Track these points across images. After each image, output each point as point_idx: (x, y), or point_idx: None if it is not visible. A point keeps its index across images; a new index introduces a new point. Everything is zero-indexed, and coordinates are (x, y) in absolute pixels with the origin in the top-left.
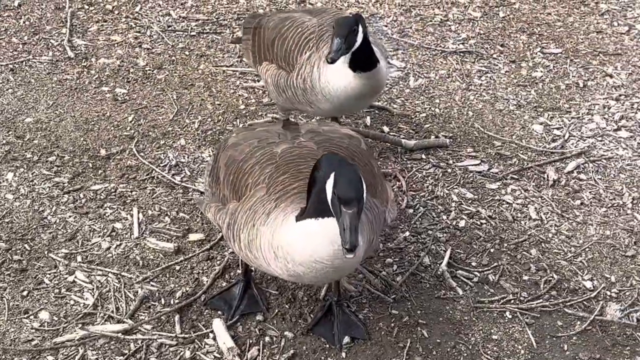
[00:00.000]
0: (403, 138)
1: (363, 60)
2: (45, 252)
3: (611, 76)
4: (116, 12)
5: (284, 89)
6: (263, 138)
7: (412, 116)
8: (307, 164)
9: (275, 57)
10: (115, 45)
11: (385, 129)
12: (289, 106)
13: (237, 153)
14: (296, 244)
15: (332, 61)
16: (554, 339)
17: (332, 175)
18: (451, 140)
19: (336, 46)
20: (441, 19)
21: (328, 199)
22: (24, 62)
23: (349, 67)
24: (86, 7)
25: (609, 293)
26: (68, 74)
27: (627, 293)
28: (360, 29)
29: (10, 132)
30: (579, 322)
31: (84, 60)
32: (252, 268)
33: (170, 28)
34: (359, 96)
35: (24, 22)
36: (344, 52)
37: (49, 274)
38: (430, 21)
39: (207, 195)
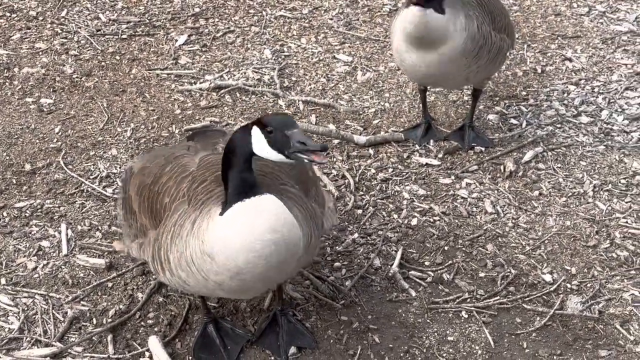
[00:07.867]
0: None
1: None
2: None
3: (570, 60)
4: (40, 18)
5: None
6: (169, 154)
7: (361, 112)
8: None
9: None
10: (40, 53)
11: (332, 127)
12: None
13: (145, 177)
14: (226, 234)
15: None
16: (513, 336)
17: (254, 128)
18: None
19: None
20: (390, 9)
21: (262, 153)
22: None
23: None
24: (8, 14)
25: (569, 286)
26: None
27: (589, 285)
28: None
29: None
30: (538, 318)
31: (5, 70)
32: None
33: (99, 32)
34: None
35: None
36: None
37: None
38: (379, 12)
39: (124, 231)
